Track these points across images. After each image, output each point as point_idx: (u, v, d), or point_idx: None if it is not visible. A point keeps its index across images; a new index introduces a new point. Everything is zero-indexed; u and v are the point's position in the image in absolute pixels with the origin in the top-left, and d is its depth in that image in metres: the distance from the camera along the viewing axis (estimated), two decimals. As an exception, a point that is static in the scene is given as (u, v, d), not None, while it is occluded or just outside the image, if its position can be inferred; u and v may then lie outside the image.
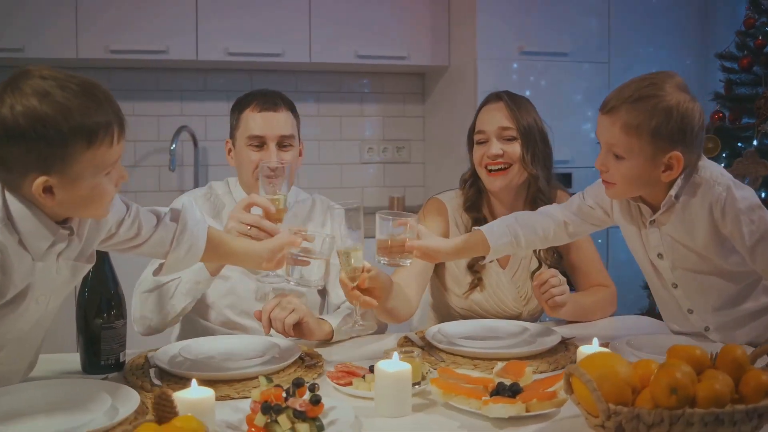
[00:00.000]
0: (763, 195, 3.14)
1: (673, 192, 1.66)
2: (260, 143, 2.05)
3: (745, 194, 1.62)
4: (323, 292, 2.19)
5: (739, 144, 3.32)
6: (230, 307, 2.06)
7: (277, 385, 1.28)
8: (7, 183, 1.26)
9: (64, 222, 1.32)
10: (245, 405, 1.28)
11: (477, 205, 2.19)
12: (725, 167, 3.06)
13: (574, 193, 1.95)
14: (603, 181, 1.70)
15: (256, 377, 1.43)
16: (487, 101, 2.18)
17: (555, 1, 3.81)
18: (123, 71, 3.91)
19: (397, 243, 1.68)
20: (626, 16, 3.92)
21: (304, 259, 1.65)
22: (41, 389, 1.39)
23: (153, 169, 4.04)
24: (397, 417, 1.35)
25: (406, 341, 1.86)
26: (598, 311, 2.12)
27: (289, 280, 1.66)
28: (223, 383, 1.49)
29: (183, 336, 2.07)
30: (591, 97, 3.76)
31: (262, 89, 2.14)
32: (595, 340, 1.48)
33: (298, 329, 1.81)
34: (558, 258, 2.17)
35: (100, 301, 1.60)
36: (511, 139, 2.10)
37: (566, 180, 3.67)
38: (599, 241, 3.75)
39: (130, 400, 1.32)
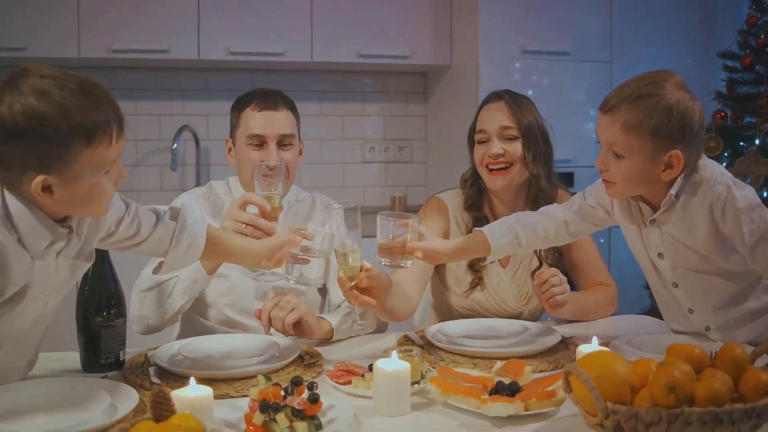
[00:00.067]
0: (764, 194, 3.13)
1: (673, 191, 1.65)
2: (260, 142, 2.05)
3: (745, 193, 1.62)
4: (323, 291, 2.19)
5: (741, 143, 3.31)
6: (230, 305, 2.06)
7: (276, 384, 1.27)
8: (6, 182, 1.26)
9: (63, 220, 1.32)
10: (244, 404, 1.28)
11: (478, 205, 2.19)
12: (727, 167, 3.08)
13: (574, 192, 1.95)
14: (603, 180, 1.70)
15: (256, 376, 1.43)
16: (487, 100, 2.18)
17: (557, 0, 3.81)
18: (125, 71, 3.91)
19: (398, 244, 1.68)
20: (628, 15, 3.91)
21: (304, 257, 1.65)
22: (40, 387, 1.39)
23: (155, 169, 4.04)
24: (395, 416, 1.35)
25: (406, 340, 1.86)
26: (598, 310, 2.12)
27: (288, 278, 1.66)
28: (222, 382, 1.49)
29: (183, 335, 2.07)
30: (593, 96, 3.75)
31: (262, 88, 2.14)
32: (595, 339, 1.47)
33: (298, 328, 1.81)
34: (559, 257, 2.17)
35: (100, 300, 1.60)
36: (513, 139, 2.10)
37: (568, 179, 3.67)
38: (601, 240, 3.75)
39: (128, 399, 1.32)
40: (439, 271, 2.20)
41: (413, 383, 1.41)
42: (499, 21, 3.73)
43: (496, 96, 2.16)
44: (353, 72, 4.27)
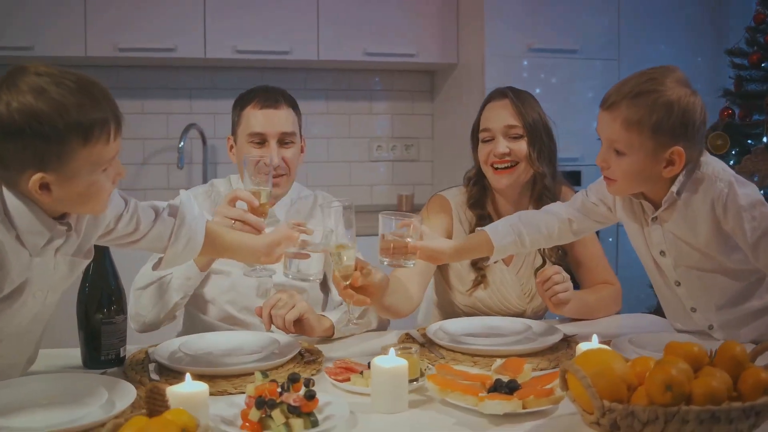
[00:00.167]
0: (770, 192, 3.11)
1: (674, 188, 1.64)
2: (261, 140, 2.05)
3: (747, 191, 1.60)
4: (325, 288, 2.19)
5: (749, 141, 3.28)
6: (231, 303, 2.06)
7: (272, 380, 1.27)
8: (4, 179, 1.26)
9: (61, 217, 1.33)
10: (242, 400, 1.28)
11: (481, 202, 2.18)
12: (734, 164, 3.06)
13: (579, 190, 1.94)
14: (604, 177, 1.69)
15: (254, 373, 1.43)
16: (491, 98, 2.17)
17: (564, -2, 3.80)
18: (131, 69, 3.93)
19: (400, 244, 1.66)
20: (636, 12, 3.89)
21: (304, 252, 1.65)
22: (40, 383, 1.40)
23: (161, 167, 4.06)
24: (393, 413, 1.34)
25: (407, 338, 1.85)
26: (602, 309, 2.11)
27: (287, 273, 1.66)
28: (221, 378, 1.49)
29: (184, 332, 2.08)
30: (600, 94, 3.59)
31: (263, 86, 2.14)
32: (595, 337, 1.46)
33: (299, 325, 1.81)
34: (562, 255, 2.16)
35: (100, 296, 1.61)
36: (518, 137, 2.08)
37: (575, 178, 3.65)
38: (609, 239, 3.73)
39: (127, 395, 1.32)
40: (443, 269, 2.19)
41: (411, 381, 1.40)
42: (506, 19, 3.72)
43: (499, 93, 2.15)
44: (360, 70, 4.27)
